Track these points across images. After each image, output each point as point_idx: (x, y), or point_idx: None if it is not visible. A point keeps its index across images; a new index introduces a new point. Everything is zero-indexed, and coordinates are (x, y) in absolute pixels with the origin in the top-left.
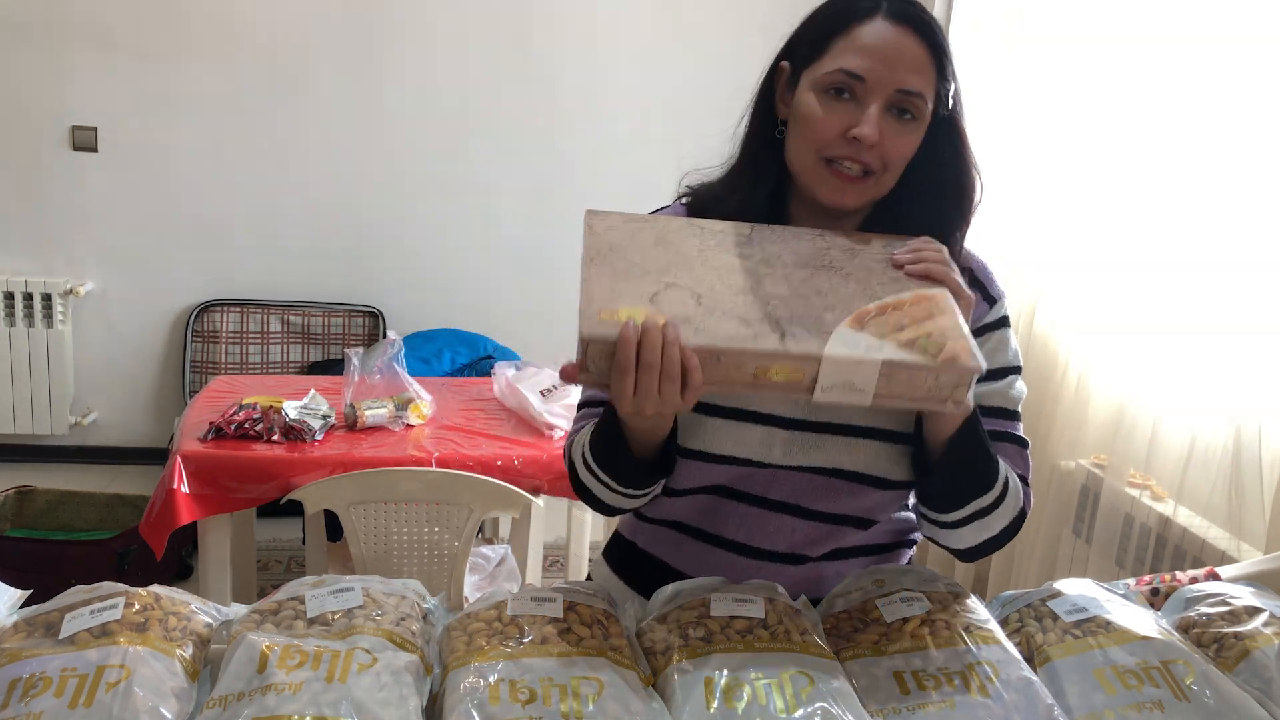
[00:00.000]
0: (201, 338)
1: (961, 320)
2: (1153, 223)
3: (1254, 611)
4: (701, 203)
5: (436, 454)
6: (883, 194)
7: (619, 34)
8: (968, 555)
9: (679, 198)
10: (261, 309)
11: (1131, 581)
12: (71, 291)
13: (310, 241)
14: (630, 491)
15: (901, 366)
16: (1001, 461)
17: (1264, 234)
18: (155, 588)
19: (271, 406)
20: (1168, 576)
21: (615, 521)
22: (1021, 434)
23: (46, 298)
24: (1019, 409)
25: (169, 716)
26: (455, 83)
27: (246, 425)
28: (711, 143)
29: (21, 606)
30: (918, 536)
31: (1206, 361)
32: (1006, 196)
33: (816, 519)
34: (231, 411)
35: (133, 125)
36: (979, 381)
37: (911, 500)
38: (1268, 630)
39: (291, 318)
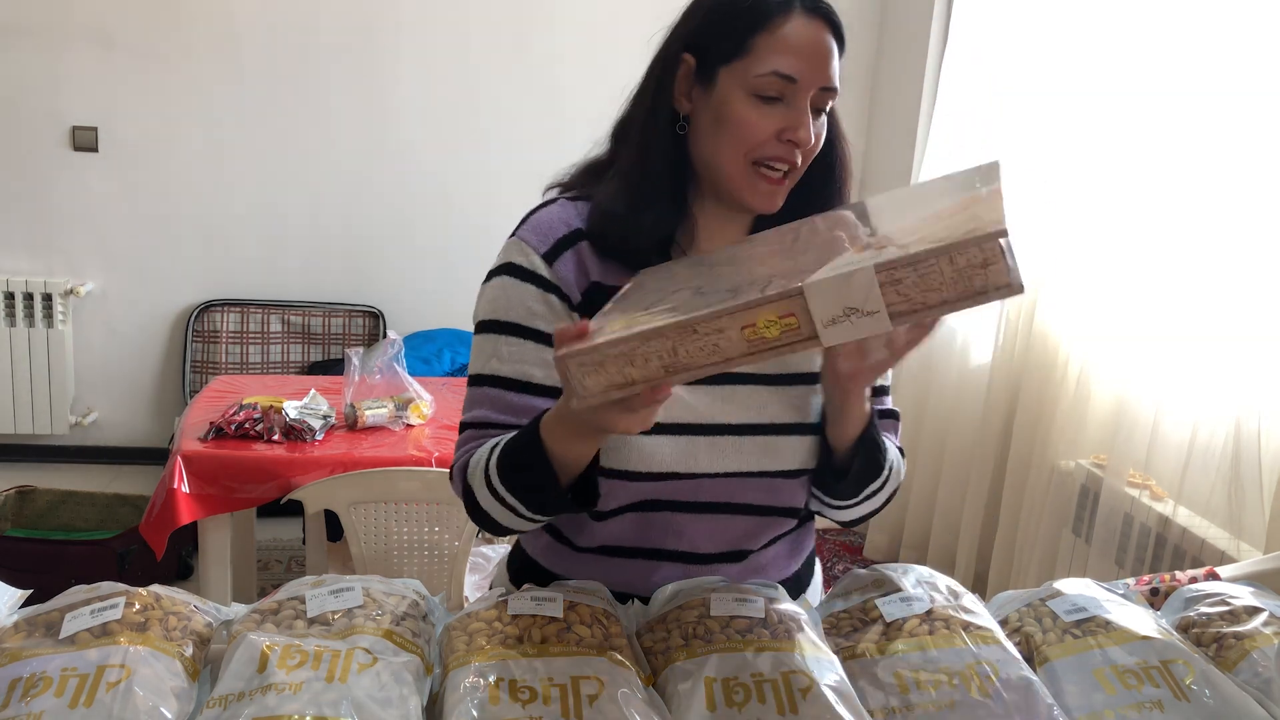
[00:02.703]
0: (201, 338)
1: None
2: (1152, 225)
3: (1254, 611)
4: (602, 216)
5: (436, 454)
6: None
7: (619, 34)
8: (850, 525)
9: (549, 191)
10: (261, 309)
11: (1131, 581)
12: (71, 291)
13: (310, 241)
14: (537, 519)
15: (903, 263)
16: (887, 442)
17: (1262, 238)
18: (155, 587)
19: (271, 406)
20: (1167, 576)
21: (521, 546)
22: (892, 405)
23: (46, 298)
24: (890, 383)
25: (169, 716)
26: (455, 82)
27: (247, 425)
28: None
29: (21, 606)
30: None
31: (1206, 361)
32: (1006, 196)
33: (750, 513)
34: (232, 411)
35: (133, 125)
36: None
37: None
38: (1267, 630)
39: (291, 318)
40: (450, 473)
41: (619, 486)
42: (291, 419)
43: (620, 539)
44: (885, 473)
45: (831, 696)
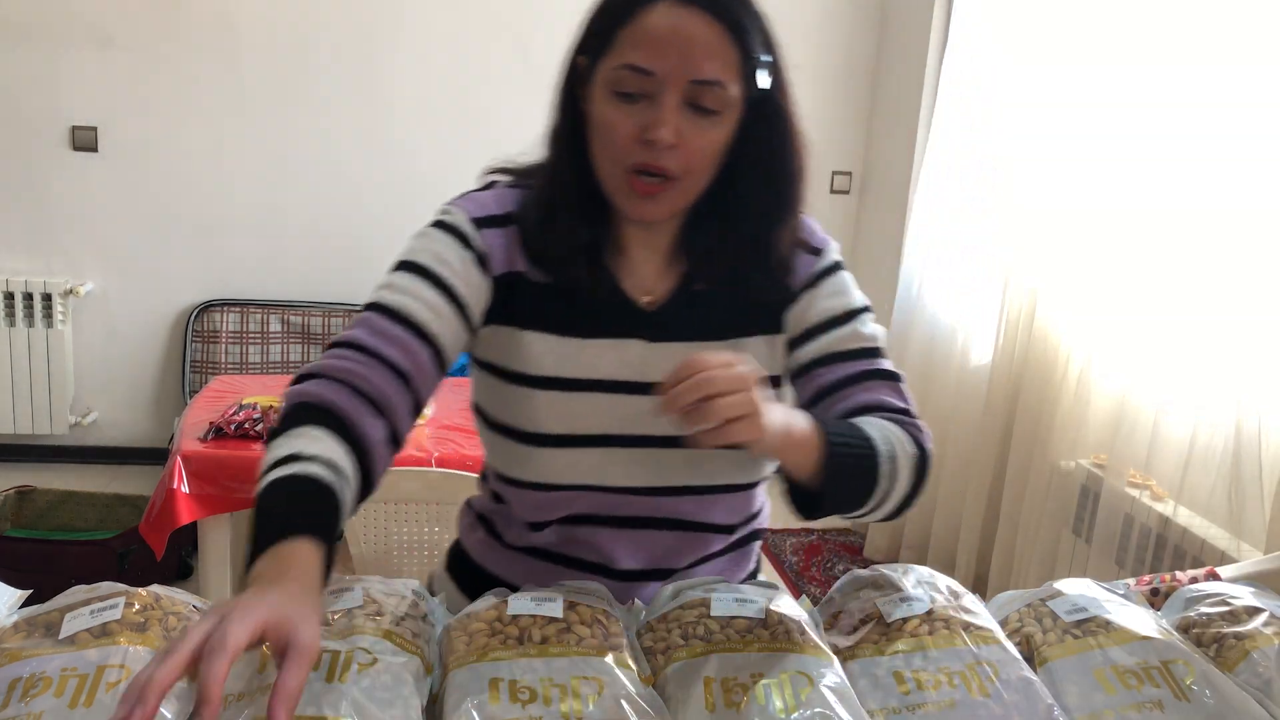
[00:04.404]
0: (201, 338)
1: None
2: (1152, 228)
3: (1254, 611)
4: (525, 219)
5: (436, 454)
6: (694, 197)
7: None
8: (888, 519)
9: (488, 175)
10: (261, 309)
11: (1131, 581)
12: (71, 291)
13: (310, 241)
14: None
15: None
16: (885, 434)
17: (1259, 238)
18: (155, 588)
19: (271, 406)
20: (1168, 576)
21: (459, 542)
22: (890, 367)
23: (46, 298)
24: (880, 345)
25: (169, 716)
26: (455, 82)
27: (246, 425)
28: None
29: (21, 606)
30: (766, 524)
31: (1206, 362)
32: (1007, 196)
33: (676, 528)
34: (231, 411)
35: (133, 125)
36: (831, 329)
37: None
38: (1268, 630)
39: (291, 318)
40: (298, 375)
41: (541, 498)
42: None
43: (547, 544)
44: (880, 479)
45: (831, 696)
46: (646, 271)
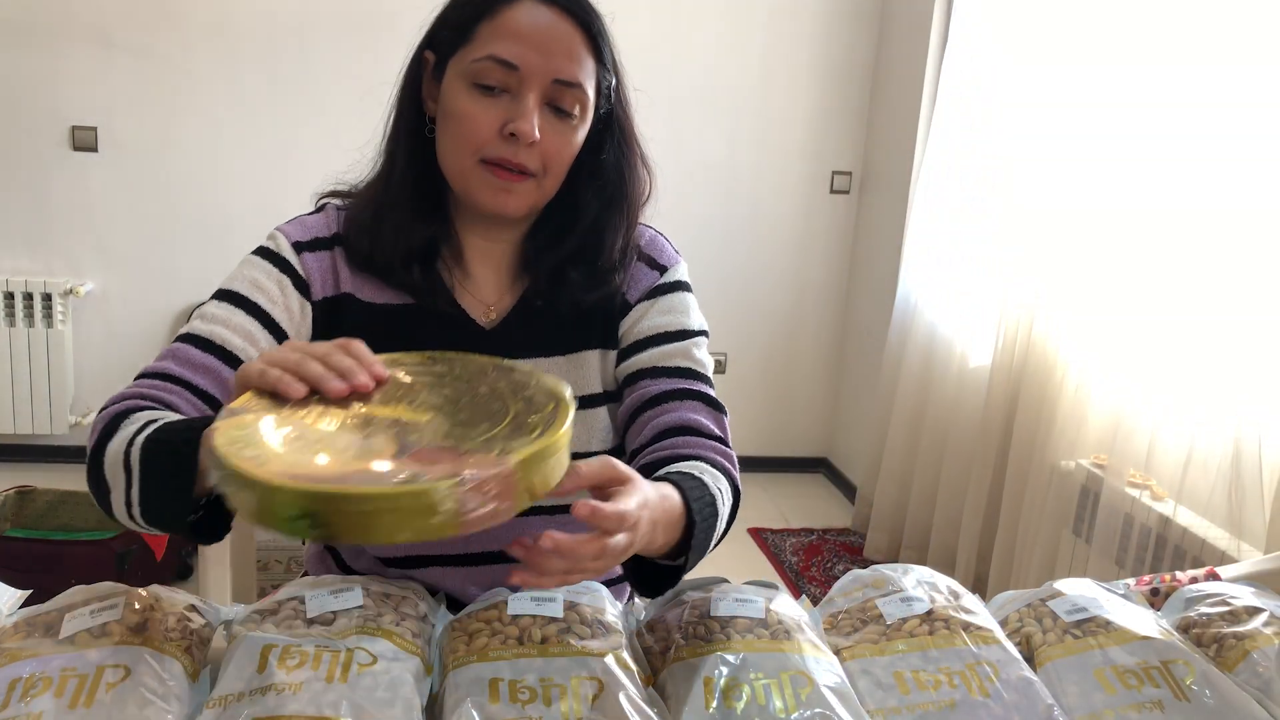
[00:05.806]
0: None
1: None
2: (1150, 230)
3: (1254, 611)
4: (350, 224)
5: None
6: (547, 199)
7: (618, 35)
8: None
9: (319, 205)
10: None
11: (1131, 581)
12: (71, 291)
13: None
14: (147, 526)
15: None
16: (716, 484)
17: (1259, 237)
18: (155, 588)
19: None
20: (1168, 576)
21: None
22: (713, 395)
23: (46, 298)
24: (708, 373)
25: (169, 717)
26: None
27: None
28: (712, 146)
29: (21, 606)
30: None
31: (1207, 363)
32: (1007, 196)
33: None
34: None
35: (133, 125)
36: (660, 343)
37: None
38: (1268, 630)
39: None
40: (100, 410)
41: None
42: None
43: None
44: (714, 537)
45: (831, 696)
46: (487, 288)
